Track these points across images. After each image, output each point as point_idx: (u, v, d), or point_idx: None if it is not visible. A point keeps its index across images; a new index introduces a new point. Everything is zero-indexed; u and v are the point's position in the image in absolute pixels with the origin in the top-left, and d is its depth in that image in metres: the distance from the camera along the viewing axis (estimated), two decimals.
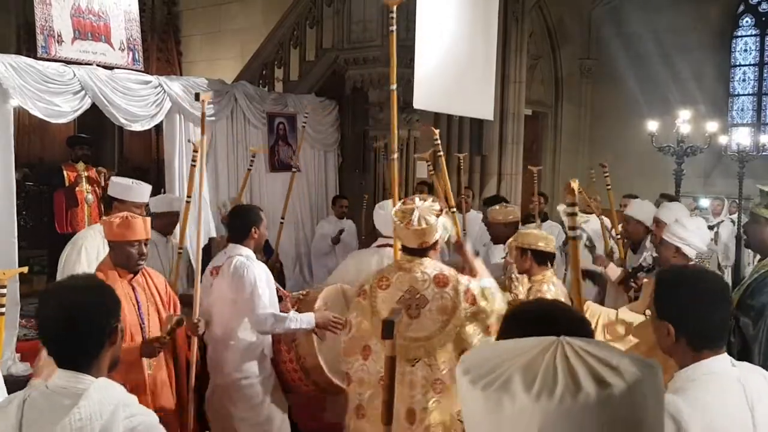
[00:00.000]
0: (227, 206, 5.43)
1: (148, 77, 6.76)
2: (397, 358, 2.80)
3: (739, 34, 13.08)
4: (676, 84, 12.13)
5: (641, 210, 5.17)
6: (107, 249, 3.82)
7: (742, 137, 10.95)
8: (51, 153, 9.68)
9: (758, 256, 3.57)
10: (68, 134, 8.59)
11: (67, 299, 1.85)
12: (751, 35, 13.04)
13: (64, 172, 7.25)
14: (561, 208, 6.09)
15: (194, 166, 4.30)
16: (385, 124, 8.06)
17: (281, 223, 5.72)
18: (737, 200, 10.09)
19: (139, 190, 4.21)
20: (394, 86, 3.94)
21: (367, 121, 8.18)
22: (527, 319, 1.50)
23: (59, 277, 3.93)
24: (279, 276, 5.80)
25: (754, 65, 13.05)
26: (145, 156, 10.72)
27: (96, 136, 8.91)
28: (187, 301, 3.76)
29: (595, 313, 3.63)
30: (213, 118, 7.12)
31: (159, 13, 12.15)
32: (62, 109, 5.91)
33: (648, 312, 1.99)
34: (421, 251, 2.97)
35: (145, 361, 3.23)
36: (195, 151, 4.25)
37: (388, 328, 1.85)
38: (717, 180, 12.34)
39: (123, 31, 7.37)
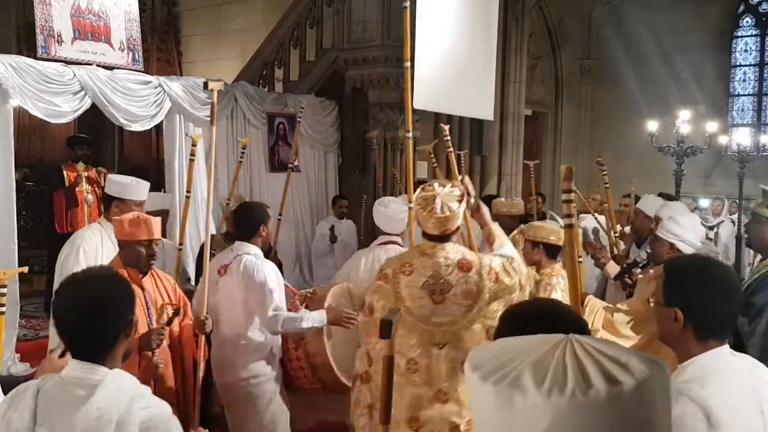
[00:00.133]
0: (231, 203, 5.37)
1: (148, 77, 6.76)
2: (424, 341, 2.80)
3: (739, 34, 13.09)
4: (676, 84, 12.14)
5: (652, 205, 5.19)
6: (106, 248, 3.81)
7: (742, 137, 10.96)
8: (51, 153, 9.69)
9: (758, 256, 3.58)
10: (68, 134, 8.58)
11: (86, 291, 1.87)
12: (751, 35, 13.05)
13: (64, 172, 7.24)
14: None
15: (192, 160, 4.29)
16: (385, 124, 8.08)
17: (278, 220, 5.71)
18: (737, 200, 10.09)
19: (139, 188, 4.11)
20: (407, 63, 4.02)
21: (367, 122, 8.18)
22: (526, 319, 1.50)
23: (57, 277, 3.86)
24: None
25: (754, 65, 13.06)
26: (145, 156, 10.73)
27: (96, 136, 8.90)
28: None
29: (595, 307, 3.64)
30: None
31: (159, 13, 12.15)
32: (62, 109, 5.92)
33: (651, 300, 1.97)
34: (443, 237, 2.94)
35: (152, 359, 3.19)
36: (194, 145, 4.24)
37: (386, 328, 1.84)
38: (717, 180, 12.35)
39: (123, 31, 7.37)
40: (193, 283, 4.79)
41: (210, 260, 3.74)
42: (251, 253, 3.64)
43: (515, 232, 4.31)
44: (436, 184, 2.98)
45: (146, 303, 3.29)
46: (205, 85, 4.11)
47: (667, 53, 12.26)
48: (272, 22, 9.29)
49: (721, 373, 1.79)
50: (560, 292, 3.64)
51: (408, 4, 3.99)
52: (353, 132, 8.65)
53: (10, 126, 5.55)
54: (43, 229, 8.10)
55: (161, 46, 12.09)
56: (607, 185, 5.55)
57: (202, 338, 3.47)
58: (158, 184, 7.21)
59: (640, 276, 4.17)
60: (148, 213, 4.52)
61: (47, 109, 5.81)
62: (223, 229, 5.19)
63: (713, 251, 7.35)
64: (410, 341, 2.84)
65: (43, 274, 7.34)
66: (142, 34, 7.95)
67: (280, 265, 6.13)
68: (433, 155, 4.97)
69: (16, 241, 5.53)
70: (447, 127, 4.41)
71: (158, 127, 7.24)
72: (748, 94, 13.16)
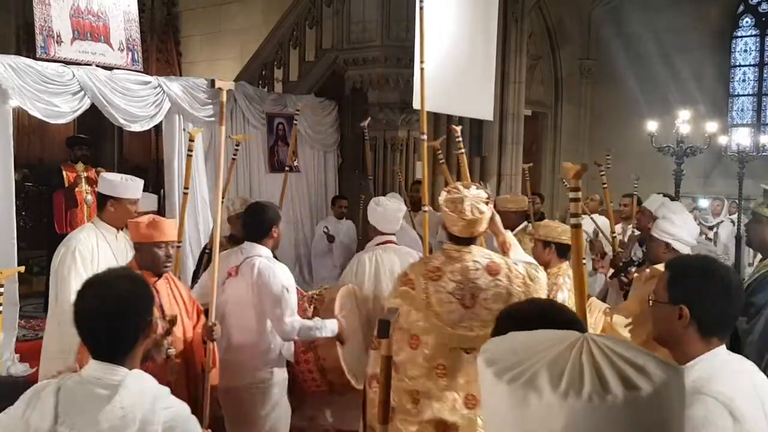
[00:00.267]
0: (235, 204, 5.32)
1: (147, 78, 6.76)
2: (453, 347, 2.77)
3: (739, 34, 13.09)
4: (676, 84, 12.14)
5: (658, 204, 5.21)
6: (101, 248, 3.75)
7: (741, 137, 10.97)
8: (50, 153, 9.69)
9: (758, 256, 3.58)
10: (68, 135, 8.58)
11: (108, 291, 1.89)
12: (751, 35, 13.05)
13: (64, 173, 7.24)
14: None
15: (190, 156, 4.24)
16: (385, 124, 8.07)
17: None
18: (737, 201, 10.10)
19: (135, 186, 3.98)
20: (423, 64, 4.04)
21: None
22: (524, 318, 1.50)
23: (52, 279, 3.81)
24: None
25: (753, 65, 13.06)
26: (144, 156, 10.73)
27: (95, 136, 8.91)
28: None
29: (595, 310, 3.64)
30: (212, 119, 7.12)
31: (158, 14, 12.15)
32: (61, 109, 5.91)
33: (650, 299, 1.97)
34: (470, 240, 2.92)
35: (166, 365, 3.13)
36: (191, 140, 4.19)
37: (384, 328, 1.84)
38: (717, 180, 12.35)
39: (122, 31, 7.36)
40: (189, 283, 4.73)
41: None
42: (263, 255, 3.54)
43: (518, 229, 4.31)
44: (460, 186, 2.95)
45: (161, 306, 3.23)
46: (212, 83, 4.06)
47: (667, 53, 12.26)
48: (272, 22, 9.28)
49: (727, 372, 1.80)
50: (566, 292, 3.64)
51: (424, 4, 3.97)
52: (353, 132, 8.64)
53: (9, 126, 5.54)
54: (42, 230, 8.11)
55: (161, 46, 12.09)
56: (605, 185, 5.54)
57: (212, 345, 3.34)
58: (158, 184, 7.21)
59: (635, 275, 4.18)
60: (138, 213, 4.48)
61: (46, 109, 5.80)
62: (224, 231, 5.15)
63: (712, 251, 7.36)
64: (438, 347, 2.80)
65: (43, 275, 7.33)
66: (141, 34, 7.95)
67: None
68: (440, 152, 4.95)
69: (16, 241, 5.53)
70: (459, 129, 4.41)
71: (158, 128, 7.23)
72: (748, 94, 13.16)
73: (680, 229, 3.84)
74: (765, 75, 12.97)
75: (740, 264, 9.40)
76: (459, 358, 2.78)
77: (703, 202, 11.57)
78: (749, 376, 1.83)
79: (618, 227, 5.91)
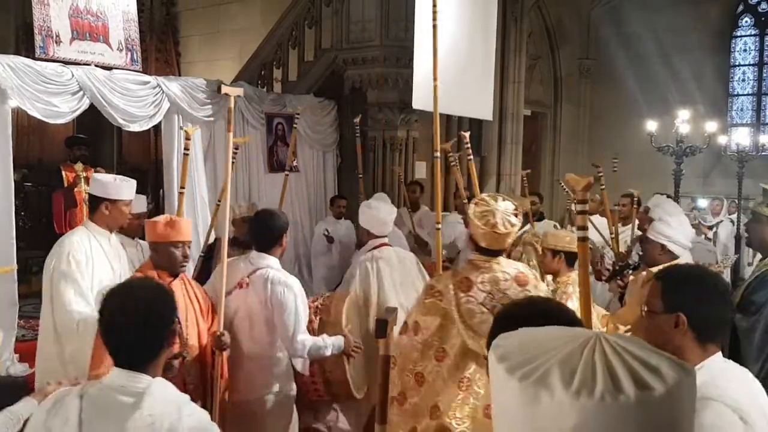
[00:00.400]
0: (241, 207, 5.28)
1: (146, 78, 6.75)
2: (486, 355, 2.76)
3: (738, 34, 13.09)
4: (676, 84, 12.14)
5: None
6: (95, 251, 3.62)
7: (741, 137, 10.98)
8: (50, 154, 9.66)
9: (758, 256, 3.57)
10: (67, 135, 8.58)
11: (133, 300, 1.92)
12: (750, 35, 13.05)
13: (63, 173, 7.24)
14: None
15: (187, 155, 4.21)
16: (384, 124, 8.07)
17: None
18: (736, 200, 10.10)
19: (129, 187, 3.83)
20: (437, 82, 3.97)
21: (366, 122, 8.17)
22: (523, 317, 1.49)
23: (46, 285, 3.60)
24: None
25: (753, 65, 13.06)
26: (143, 156, 10.70)
27: (94, 136, 8.90)
28: None
29: (595, 315, 3.64)
30: (211, 118, 7.11)
31: (157, 14, 12.14)
32: (60, 109, 5.90)
33: (644, 311, 1.98)
34: (498, 252, 2.92)
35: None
36: (187, 138, 4.16)
37: (382, 328, 1.83)
38: (716, 180, 12.35)
39: (121, 31, 7.36)
40: None
41: (214, 265, 3.64)
42: (273, 267, 3.45)
43: (520, 232, 4.31)
44: (488, 198, 2.95)
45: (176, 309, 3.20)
46: (219, 88, 4.00)
47: (667, 53, 12.26)
48: (271, 22, 9.27)
49: (728, 378, 1.82)
50: (576, 301, 3.64)
51: (437, 22, 3.99)
52: (352, 132, 8.63)
53: (8, 126, 5.53)
54: (41, 230, 8.10)
55: (160, 46, 12.07)
56: (603, 186, 5.54)
57: (223, 355, 3.26)
58: (157, 185, 7.20)
59: (631, 278, 4.18)
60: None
61: (46, 109, 5.79)
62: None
63: (711, 251, 7.35)
64: (464, 358, 2.79)
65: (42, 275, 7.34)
66: (140, 34, 7.95)
67: None
68: (452, 154, 4.93)
69: (15, 241, 5.52)
70: (467, 134, 4.40)
71: (157, 128, 7.22)
72: (747, 94, 13.16)
73: (676, 231, 3.83)
74: (764, 75, 12.97)
75: (740, 264, 9.40)
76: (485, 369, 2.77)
77: (703, 202, 11.57)
78: (746, 382, 1.85)
79: (615, 228, 5.91)
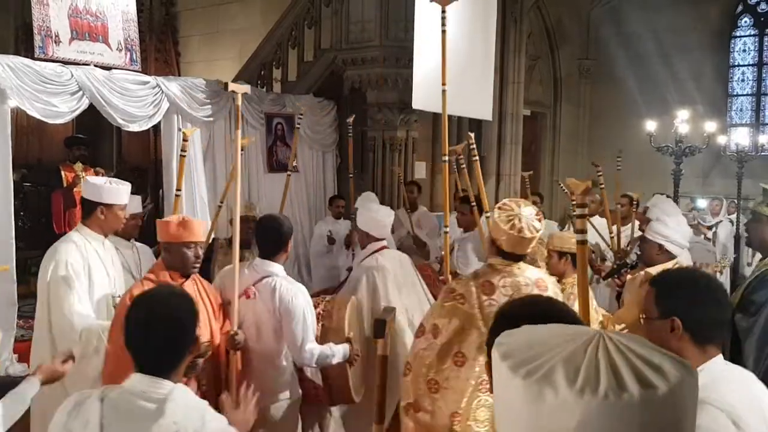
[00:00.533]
0: (254, 209, 5.25)
1: (145, 78, 6.75)
2: None
3: (737, 34, 13.09)
4: (675, 84, 12.15)
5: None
6: (90, 255, 3.55)
7: (740, 137, 10.98)
8: (49, 154, 9.66)
9: (758, 256, 3.57)
10: (66, 135, 8.57)
11: (158, 309, 1.94)
12: (749, 35, 13.05)
13: (62, 173, 7.24)
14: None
15: (184, 156, 4.21)
16: (384, 124, 8.07)
17: None
18: (736, 200, 10.10)
19: (124, 190, 3.72)
20: (445, 87, 3.96)
21: (366, 122, 8.17)
22: (523, 316, 1.48)
23: (41, 288, 3.52)
24: None
25: (752, 65, 13.06)
26: (143, 157, 10.70)
27: (94, 136, 8.89)
28: None
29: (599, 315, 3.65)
30: (210, 119, 7.10)
31: (157, 14, 12.14)
32: (60, 109, 5.90)
33: (641, 318, 1.99)
34: (520, 256, 2.91)
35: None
36: (185, 140, 4.15)
37: (380, 328, 1.83)
38: (715, 180, 12.36)
39: (121, 31, 7.36)
40: None
41: (213, 267, 3.63)
42: (279, 274, 3.42)
43: None
44: (512, 203, 2.95)
45: None
46: (225, 86, 3.99)
47: (666, 53, 12.27)
48: (271, 22, 9.28)
49: (727, 382, 1.82)
50: None
51: (447, 28, 3.98)
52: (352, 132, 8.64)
53: (7, 126, 5.54)
54: (41, 230, 8.09)
55: (159, 46, 12.07)
56: (602, 186, 5.54)
57: (236, 355, 3.24)
58: (156, 185, 7.19)
59: (629, 277, 4.19)
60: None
61: (45, 109, 5.79)
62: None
63: (711, 251, 7.35)
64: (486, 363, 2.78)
65: None
66: (140, 34, 7.95)
67: None
68: (462, 157, 4.92)
69: (14, 241, 5.52)
70: (472, 135, 4.40)
71: (156, 128, 7.22)
72: (747, 94, 13.17)
73: (673, 231, 3.84)
74: (764, 75, 12.97)
75: (739, 263, 9.40)
76: None
77: (702, 202, 11.57)
78: (748, 385, 1.85)
79: (614, 228, 5.92)
